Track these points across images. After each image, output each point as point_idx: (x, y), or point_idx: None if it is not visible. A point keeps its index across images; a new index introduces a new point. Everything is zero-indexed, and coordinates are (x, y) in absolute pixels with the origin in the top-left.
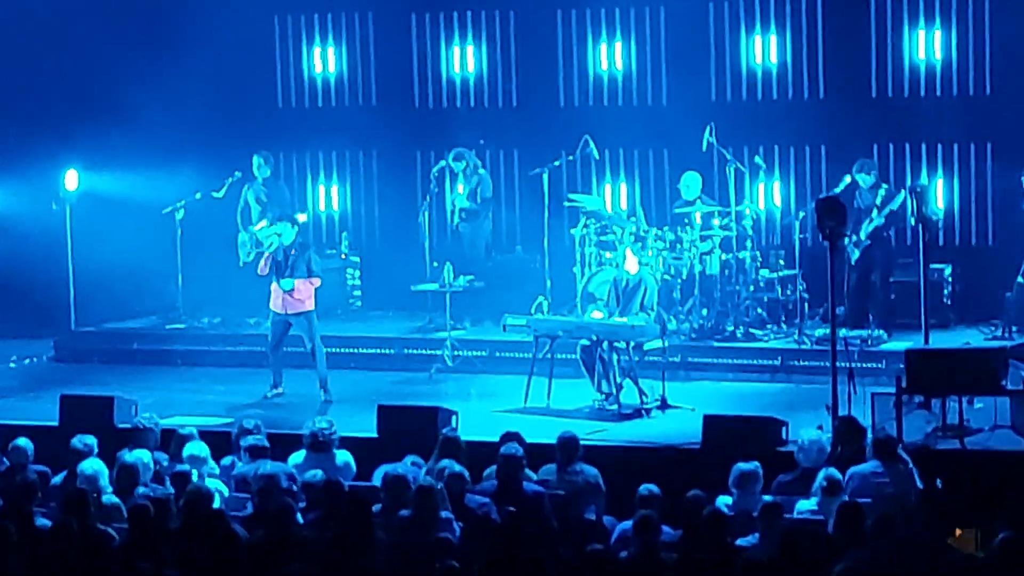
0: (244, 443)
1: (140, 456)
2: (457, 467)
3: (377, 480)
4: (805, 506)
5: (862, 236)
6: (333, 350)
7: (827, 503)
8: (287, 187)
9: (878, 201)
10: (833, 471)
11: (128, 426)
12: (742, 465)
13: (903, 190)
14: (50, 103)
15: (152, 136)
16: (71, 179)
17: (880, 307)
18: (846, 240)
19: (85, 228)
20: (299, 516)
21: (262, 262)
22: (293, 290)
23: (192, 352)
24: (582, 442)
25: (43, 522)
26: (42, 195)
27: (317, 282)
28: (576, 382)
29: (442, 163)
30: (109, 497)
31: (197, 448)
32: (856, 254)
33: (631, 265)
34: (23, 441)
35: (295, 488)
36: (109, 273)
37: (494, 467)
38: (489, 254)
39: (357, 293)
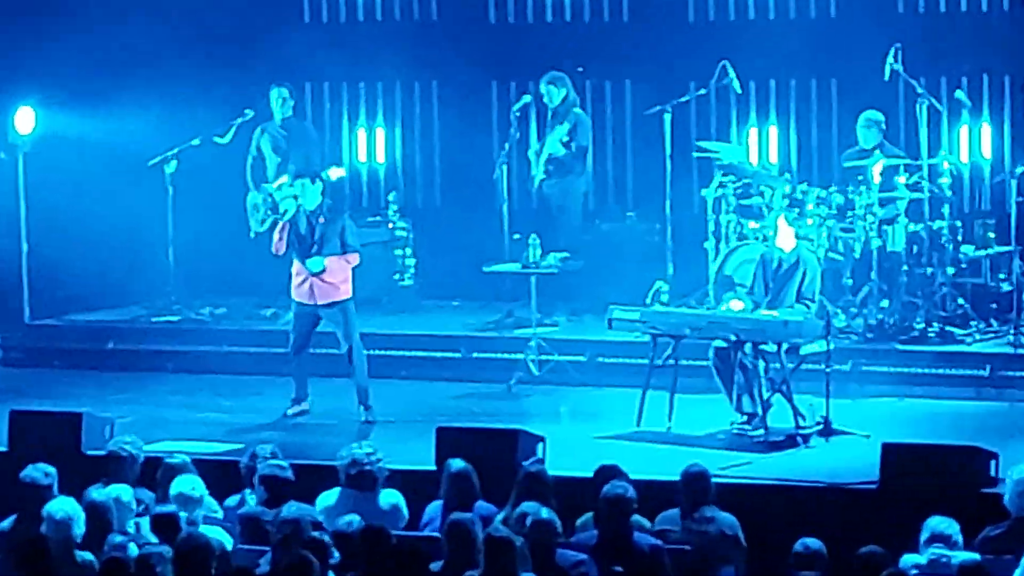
0: (260, 471)
1: (116, 493)
2: (544, 513)
3: (430, 521)
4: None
5: None
6: (377, 352)
7: None
8: (315, 131)
9: None
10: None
11: (101, 452)
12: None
13: None
14: None
15: (134, 61)
16: (24, 119)
17: None
18: None
19: (43, 186)
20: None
21: (276, 235)
22: (323, 272)
23: (187, 354)
24: (715, 480)
25: None
26: None
27: (355, 259)
28: (707, 398)
29: (527, 98)
30: (80, 554)
31: (188, 483)
32: None
33: (784, 239)
34: None
35: (326, 538)
36: (76, 247)
37: (593, 513)
38: (588, 222)
39: (410, 275)
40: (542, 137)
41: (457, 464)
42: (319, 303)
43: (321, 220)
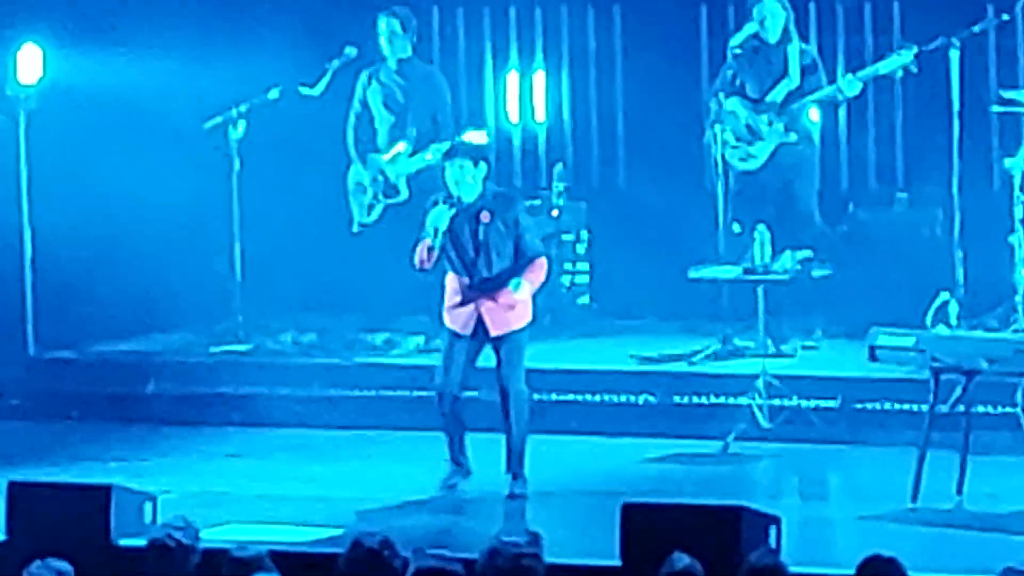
0: (418, 563)
1: None
2: None
3: None
4: None
5: None
6: (538, 396)
7: None
8: (443, 77)
9: None
10: None
11: (139, 542)
12: None
13: None
14: None
15: None
16: (28, 63)
17: None
18: None
19: (54, 159)
20: None
21: (422, 246)
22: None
23: (261, 400)
24: None
25: None
26: None
27: (543, 267)
28: (1013, 460)
29: (751, 27)
30: None
31: None
32: None
33: None
34: None
35: None
36: (99, 249)
37: None
38: (838, 209)
39: (582, 283)
40: (742, 88)
41: (682, 561)
42: (492, 335)
43: (485, 217)
